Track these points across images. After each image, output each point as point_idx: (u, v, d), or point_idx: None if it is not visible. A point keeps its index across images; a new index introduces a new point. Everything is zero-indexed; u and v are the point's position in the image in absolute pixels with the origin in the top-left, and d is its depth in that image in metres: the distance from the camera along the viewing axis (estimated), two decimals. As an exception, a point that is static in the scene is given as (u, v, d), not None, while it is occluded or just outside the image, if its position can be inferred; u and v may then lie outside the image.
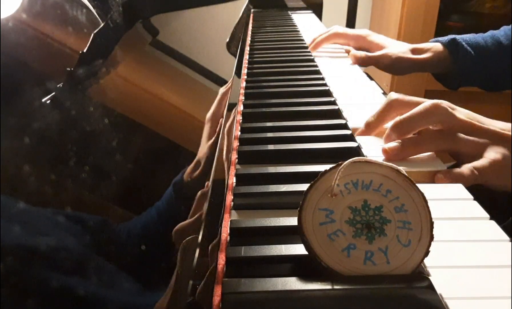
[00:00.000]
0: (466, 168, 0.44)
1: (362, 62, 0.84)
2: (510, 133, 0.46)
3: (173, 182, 0.32)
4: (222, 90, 0.47)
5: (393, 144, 0.46)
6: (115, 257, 0.25)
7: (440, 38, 0.87)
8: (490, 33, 0.85)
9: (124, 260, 0.25)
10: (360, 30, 0.93)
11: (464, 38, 0.83)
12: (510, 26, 0.85)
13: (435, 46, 0.85)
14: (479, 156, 0.46)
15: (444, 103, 0.46)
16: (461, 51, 0.81)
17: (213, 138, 0.39)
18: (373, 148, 0.48)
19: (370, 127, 0.52)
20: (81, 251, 0.24)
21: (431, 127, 0.47)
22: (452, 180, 0.43)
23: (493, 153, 0.45)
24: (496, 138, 0.46)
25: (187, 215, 0.30)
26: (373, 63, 0.86)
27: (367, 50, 0.88)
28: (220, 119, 0.43)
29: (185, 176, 0.33)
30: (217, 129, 0.41)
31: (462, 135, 0.46)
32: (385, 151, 0.46)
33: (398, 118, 0.47)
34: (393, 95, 0.50)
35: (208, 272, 0.28)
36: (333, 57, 0.88)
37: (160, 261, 0.27)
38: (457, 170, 0.44)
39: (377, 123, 0.51)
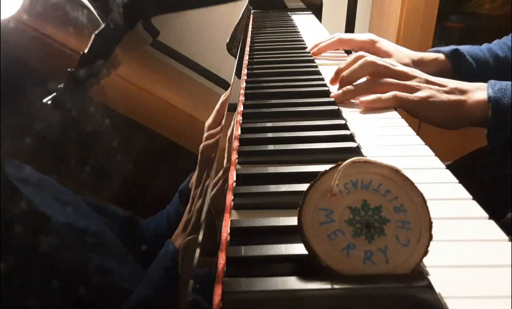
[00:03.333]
0: (387, 94, 0.60)
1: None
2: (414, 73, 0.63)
3: (179, 190, 0.32)
4: (222, 98, 0.48)
5: (337, 92, 0.63)
6: (136, 250, 0.26)
7: (441, 49, 0.85)
8: (486, 46, 0.85)
9: (139, 256, 0.26)
10: (365, 35, 0.90)
11: (465, 49, 0.82)
12: (503, 39, 0.85)
13: (438, 58, 0.84)
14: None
15: (370, 57, 0.64)
16: (464, 64, 0.81)
17: (213, 140, 0.39)
18: (373, 146, 0.48)
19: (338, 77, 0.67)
20: (111, 236, 0.25)
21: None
22: (372, 102, 0.60)
23: (420, 92, 0.61)
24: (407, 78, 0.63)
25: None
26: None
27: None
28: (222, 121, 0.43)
29: (190, 184, 0.33)
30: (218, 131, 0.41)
31: (390, 79, 0.62)
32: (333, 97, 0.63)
33: (343, 73, 0.65)
34: (368, 56, 0.65)
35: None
36: (334, 61, 0.88)
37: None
38: (378, 95, 0.60)
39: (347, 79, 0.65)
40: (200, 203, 0.31)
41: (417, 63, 0.83)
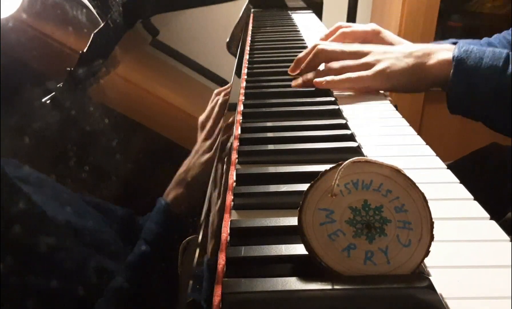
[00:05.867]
0: (341, 76, 0.63)
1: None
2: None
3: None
4: (217, 93, 0.48)
5: (298, 81, 0.67)
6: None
7: (441, 42, 0.85)
8: (486, 40, 0.84)
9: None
10: (368, 26, 0.87)
11: (465, 43, 0.82)
12: (503, 33, 0.85)
13: None
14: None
15: (321, 45, 0.68)
16: None
17: (210, 141, 0.39)
18: (373, 145, 0.48)
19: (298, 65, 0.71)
20: (114, 236, 0.25)
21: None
22: (327, 83, 0.63)
23: (377, 66, 0.63)
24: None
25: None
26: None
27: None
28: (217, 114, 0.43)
29: None
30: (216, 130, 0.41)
31: (343, 62, 0.65)
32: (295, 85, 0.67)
33: (301, 66, 0.69)
34: (319, 45, 0.69)
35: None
36: None
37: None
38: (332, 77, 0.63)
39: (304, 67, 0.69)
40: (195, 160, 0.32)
41: None
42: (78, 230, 0.23)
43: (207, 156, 0.36)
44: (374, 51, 0.65)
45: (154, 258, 0.26)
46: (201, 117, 0.42)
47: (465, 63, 0.59)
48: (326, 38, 0.91)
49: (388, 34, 0.86)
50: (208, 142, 0.38)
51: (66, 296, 0.20)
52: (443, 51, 0.62)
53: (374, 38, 0.85)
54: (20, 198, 0.21)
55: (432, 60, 0.62)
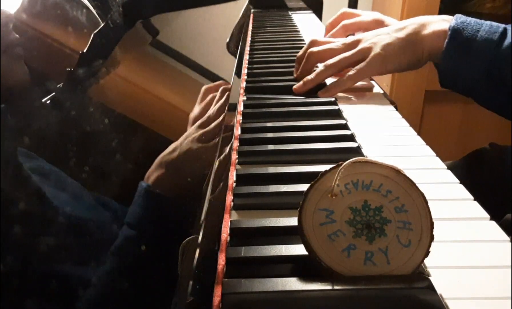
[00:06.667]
0: (343, 78, 0.62)
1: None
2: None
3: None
4: (208, 90, 0.48)
5: (299, 84, 0.65)
6: None
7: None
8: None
9: None
10: (370, 15, 0.84)
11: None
12: (510, 25, 0.84)
13: None
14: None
15: (313, 49, 0.67)
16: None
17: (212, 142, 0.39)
18: (374, 144, 0.48)
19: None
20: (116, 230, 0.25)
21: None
22: (334, 90, 0.63)
23: (372, 51, 0.61)
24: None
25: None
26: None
27: None
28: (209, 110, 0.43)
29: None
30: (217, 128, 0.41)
31: (338, 57, 0.64)
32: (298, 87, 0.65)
33: (298, 71, 0.69)
34: (310, 49, 0.68)
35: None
36: None
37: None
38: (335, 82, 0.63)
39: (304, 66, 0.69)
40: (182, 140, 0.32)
41: None
42: (83, 221, 0.23)
43: (198, 144, 0.36)
44: (365, 36, 0.64)
45: (140, 241, 0.26)
46: (192, 114, 0.42)
47: (461, 34, 0.56)
48: (330, 26, 0.89)
49: (391, 21, 0.84)
50: (201, 131, 0.37)
51: (68, 283, 0.20)
52: (439, 22, 0.60)
53: (377, 27, 0.84)
54: (29, 187, 0.21)
55: (427, 31, 0.60)
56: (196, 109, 0.42)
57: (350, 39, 0.66)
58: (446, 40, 0.57)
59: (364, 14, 0.87)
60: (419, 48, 0.60)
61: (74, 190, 0.25)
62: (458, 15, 0.59)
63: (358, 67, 0.62)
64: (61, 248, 0.21)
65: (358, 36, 0.65)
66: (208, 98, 0.45)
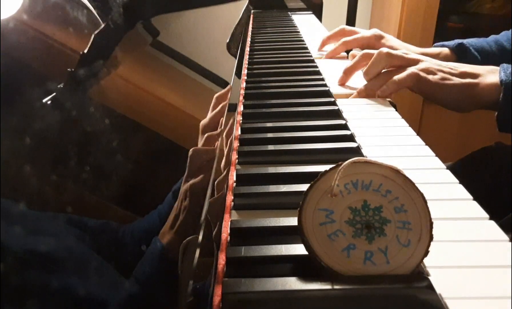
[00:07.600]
0: (402, 74, 0.63)
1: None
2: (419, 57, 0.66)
3: (173, 189, 0.31)
4: (216, 95, 0.47)
5: (360, 88, 0.65)
6: (117, 258, 0.25)
7: (446, 43, 0.85)
8: (493, 37, 0.85)
9: (126, 261, 0.26)
10: (370, 31, 0.87)
11: (470, 42, 0.82)
12: (511, 30, 0.85)
13: (442, 51, 0.84)
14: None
15: (385, 49, 0.66)
16: (469, 56, 0.81)
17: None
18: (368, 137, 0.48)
19: (347, 74, 0.70)
20: (81, 251, 0.24)
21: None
22: (389, 88, 0.63)
23: (435, 75, 0.63)
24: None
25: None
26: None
27: None
28: (221, 119, 0.43)
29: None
30: (217, 131, 0.41)
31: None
32: (358, 93, 0.65)
33: (365, 70, 0.66)
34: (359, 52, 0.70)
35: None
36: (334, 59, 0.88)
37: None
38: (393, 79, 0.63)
39: (352, 71, 0.70)
40: (187, 203, 0.31)
41: None
42: (41, 255, 0.21)
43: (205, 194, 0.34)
44: (430, 62, 0.66)
45: (144, 298, 0.25)
46: (204, 122, 0.41)
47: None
48: (327, 40, 0.91)
49: (390, 38, 0.86)
50: (204, 178, 0.36)
51: None
52: (490, 74, 0.64)
53: (377, 43, 0.85)
54: None
55: (481, 83, 0.63)
56: (207, 118, 0.42)
57: (416, 56, 0.67)
58: (501, 94, 0.61)
59: (363, 31, 0.89)
60: (470, 97, 0.64)
61: (28, 222, 0.22)
62: (504, 66, 0.63)
63: (422, 74, 0.63)
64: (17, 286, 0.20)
65: (423, 57, 0.66)
66: (219, 107, 0.45)
